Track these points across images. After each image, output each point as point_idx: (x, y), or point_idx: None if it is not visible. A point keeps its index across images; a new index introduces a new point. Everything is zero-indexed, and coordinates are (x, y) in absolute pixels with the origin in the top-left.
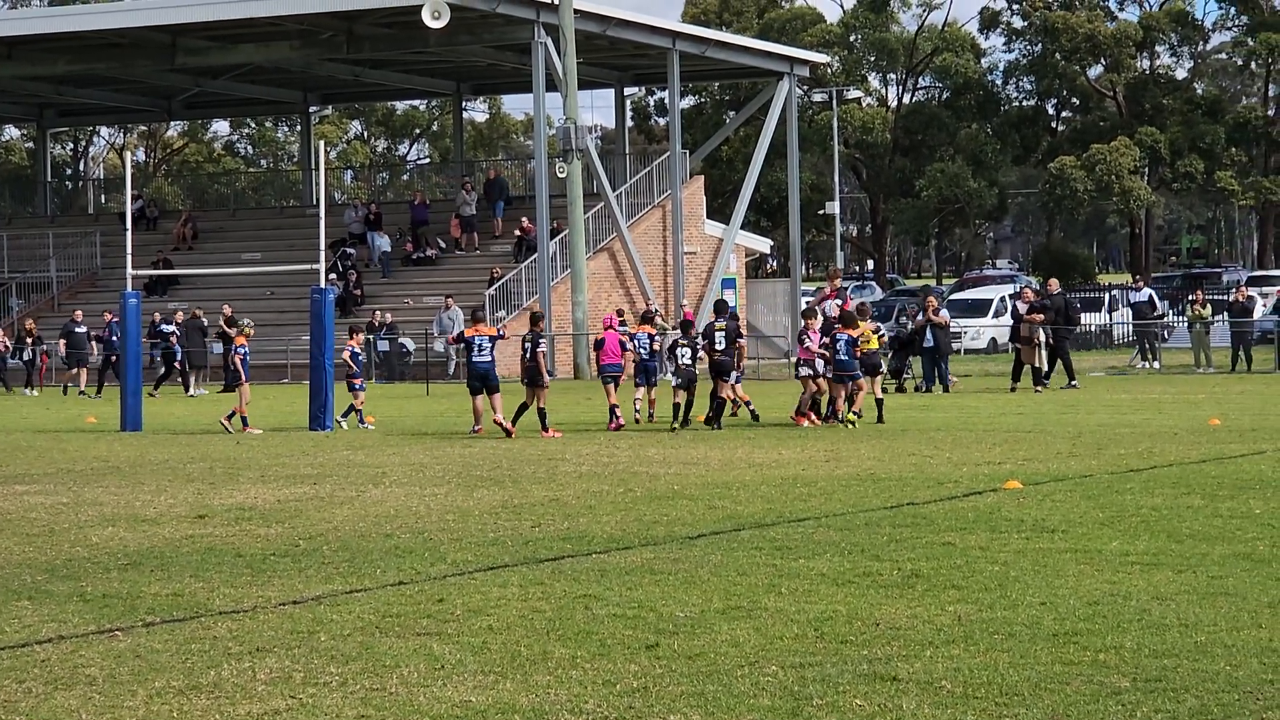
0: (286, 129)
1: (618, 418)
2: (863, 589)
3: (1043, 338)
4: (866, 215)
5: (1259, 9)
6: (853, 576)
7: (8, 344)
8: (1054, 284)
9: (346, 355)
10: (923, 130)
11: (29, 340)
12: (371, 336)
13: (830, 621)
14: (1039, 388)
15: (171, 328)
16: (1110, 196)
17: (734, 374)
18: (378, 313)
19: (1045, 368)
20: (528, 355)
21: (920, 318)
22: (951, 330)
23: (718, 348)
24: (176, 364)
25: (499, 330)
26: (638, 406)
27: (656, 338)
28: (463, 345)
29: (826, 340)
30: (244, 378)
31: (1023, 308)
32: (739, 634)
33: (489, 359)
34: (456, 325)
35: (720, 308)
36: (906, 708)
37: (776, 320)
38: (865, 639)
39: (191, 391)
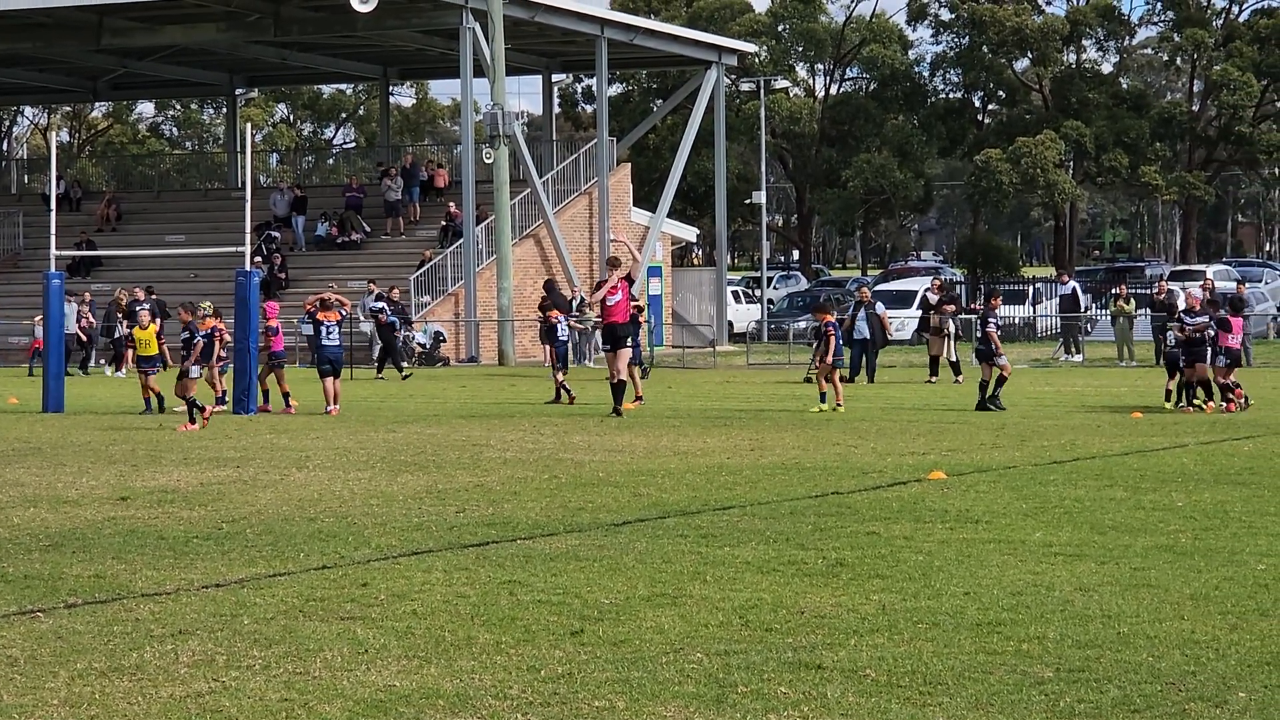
0: (212, 111)
1: (290, 406)
2: (787, 577)
3: (952, 329)
4: (792, 205)
5: (1185, 4)
6: (777, 565)
7: (91, 320)
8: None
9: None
10: (849, 121)
11: (121, 317)
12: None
13: (755, 609)
14: (958, 379)
15: (380, 304)
16: (1035, 190)
17: (1000, 357)
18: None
19: (955, 358)
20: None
21: (852, 310)
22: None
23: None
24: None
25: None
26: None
27: (569, 321)
28: (312, 329)
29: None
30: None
31: (933, 298)
32: (664, 621)
33: (338, 343)
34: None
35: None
36: (831, 695)
37: (702, 309)
38: (790, 627)
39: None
